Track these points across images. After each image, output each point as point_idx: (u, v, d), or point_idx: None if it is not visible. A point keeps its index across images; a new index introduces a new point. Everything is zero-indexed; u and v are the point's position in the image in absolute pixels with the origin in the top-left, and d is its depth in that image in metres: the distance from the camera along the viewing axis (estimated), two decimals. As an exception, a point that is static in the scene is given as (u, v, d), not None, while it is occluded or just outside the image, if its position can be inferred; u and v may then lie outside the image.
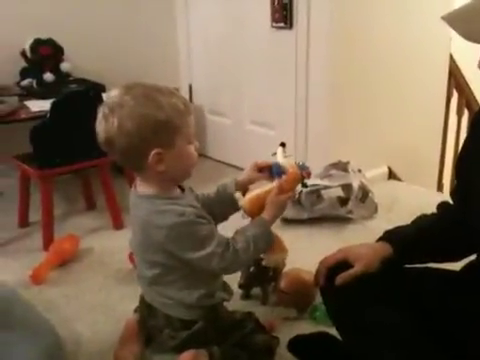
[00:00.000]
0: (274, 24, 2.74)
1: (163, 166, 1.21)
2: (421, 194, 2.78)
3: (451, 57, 3.14)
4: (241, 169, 3.16)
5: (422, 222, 1.40)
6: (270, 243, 1.34)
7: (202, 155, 3.18)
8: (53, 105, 2.11)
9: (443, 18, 1.05)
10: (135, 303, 1.63)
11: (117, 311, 1.74)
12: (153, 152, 1.18)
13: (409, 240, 1.33)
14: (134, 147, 1.18)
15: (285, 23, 2.67)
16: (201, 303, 1.33)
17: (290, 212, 2.44)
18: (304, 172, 1.38)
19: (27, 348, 1.24)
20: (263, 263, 1.54)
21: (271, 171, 1.38)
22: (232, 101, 3.21)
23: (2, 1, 2.75)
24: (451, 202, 1.40)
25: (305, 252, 1.99)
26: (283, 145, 1.44)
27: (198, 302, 1.33)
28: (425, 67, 2.95)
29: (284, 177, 1.35)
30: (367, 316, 1.19)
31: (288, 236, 2.27)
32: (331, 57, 2.56)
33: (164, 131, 1.18)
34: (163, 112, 1.16)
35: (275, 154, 1.42)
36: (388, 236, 1.38)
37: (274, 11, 2.70)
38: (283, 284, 1.67)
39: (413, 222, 1.42)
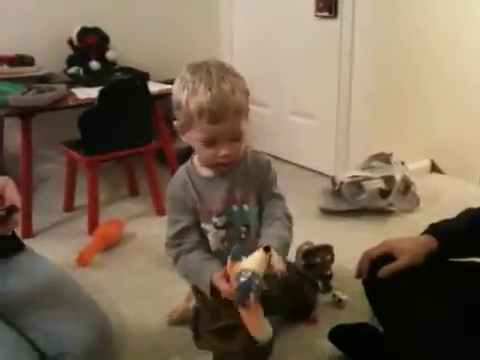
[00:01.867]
0: (318, 13, 2.71)
1: (184, 138, 1.28)
2: (464, 188, 2.73)
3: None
4: (281, 160, 3.21)
5: (469, 216, 1.39)
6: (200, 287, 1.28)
7: (242, 144, 3.19)
8: (101, 93, 2.16)
9: None
10: (177, 288, 1.68)
11: (160, 295, 1.78)
12: (175, 121, 1.27)
13: (456, 234, 1.32)
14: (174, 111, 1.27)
15: (330, 12, 2.64)
16: None
17: (330, 203, 2.43)
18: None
19: (78, 325, 1.27)
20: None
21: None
22: (274, 91, 3.21)
23: (50, -10, 2.82)
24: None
25: (344, 244, 1.98)
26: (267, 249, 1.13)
27: None
28: (472, 59, 2.88)
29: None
30: (414, 309, 1.18)
31: (327, 228, 2.30)
32: (376, 47, 2.52)
33: (180, 112, 1.22)
34: (181, 96, 1.20)
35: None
36: (434, 229, 1.37)
37: (318, 0, 2.68)
38: None
39: (459, 216, 1.41)
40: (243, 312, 1.16)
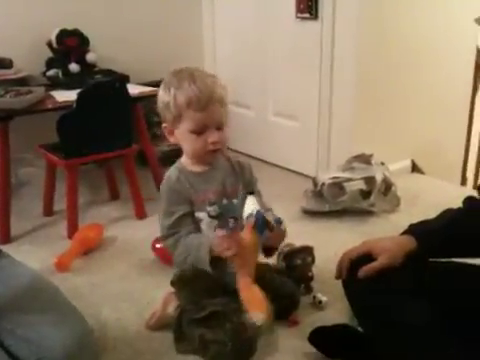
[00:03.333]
0: (299, 15, 2.72)
1: (173, 139, 1.44)
2: (444, 188, 2.76)
3: (478, 50, 3.09)
4: (263, 161, 3.20)
5: (448, 217, 1.40)
6: (200, 265, 1.38)
7: (225, 147, 3.18)
8: (80, 95, 2.13)
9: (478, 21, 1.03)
10: (158, 292, 1.67)
11: (141, 299, 1.76)
12: (163, 125, 1.44)
13: (435, 234, 1.33)
14: (161, 116, 1.45)
15: (310, 14, 2.65)
16: None
17: (311, 204, 2.44)
18: (254, 219, 1.31)
19: (57, 333, 1.26)
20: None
21: (255, 224, 1.30)
22: (256, 93, 3.20)
23: (29, -8, 2.78)
24: (477, 196, 1.39)
25: (326, 245, 1.99)
26: (250, 193, 1.40)
27: None
28: (451, 60, 2.91)
29: (268, 234, 1.31)
30: (392, 309, 1.19)
31: (309, 229, 2.30)
32: (356, 49, 2.53)
33: (168, 111, 1.39)
34: (168, 96, 1.37)
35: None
36: (413, 230, 1.38)
37: (299, 1, 2.68)
38: None
39: (439, 216, 1.42)
40: (244, 288, 1.30)
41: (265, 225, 1.29)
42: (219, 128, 1.39)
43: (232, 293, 1.43)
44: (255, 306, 1.29)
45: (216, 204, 1.44)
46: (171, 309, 1.53)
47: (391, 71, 2.69)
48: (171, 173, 1.47)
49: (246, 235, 1.32)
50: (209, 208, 1.43)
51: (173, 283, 1.54)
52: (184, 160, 1.49)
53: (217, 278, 1.46)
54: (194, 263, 1.40)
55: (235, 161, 1.53)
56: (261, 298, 1.30)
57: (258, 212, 1.29)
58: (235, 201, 1.47)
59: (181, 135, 1.40)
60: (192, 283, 1.46)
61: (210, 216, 1.43)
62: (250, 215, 1.30)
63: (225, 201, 1.46)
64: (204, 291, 1.45)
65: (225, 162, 1.51)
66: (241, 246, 1.30)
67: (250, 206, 1.33)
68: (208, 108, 1.35)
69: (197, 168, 1.47)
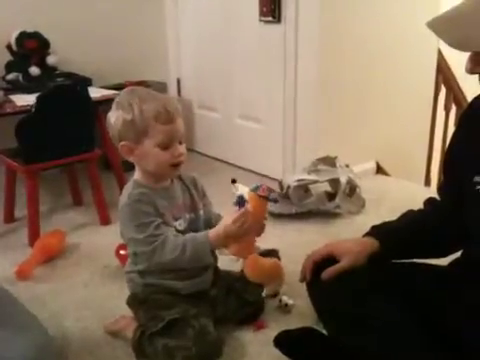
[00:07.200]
0: (262, 18, 2.73)
1: (132, 157, 1.40)
2: (409, 189, 2.79)
3: (439, 52, 3.15)
4: (229, 164, 3.20)
5: (409, 218, 1.41)
6: (199, 258, 1.39)
7: (190, 150, 3.16)
8: (39, 99, 2.09)
9: (428, 25, 1.05)
10: (122, 299, 1.63)
11: (104, 307, 1.73)
12: (121, 143, 1.38)
13: (396, 236, 1.34)
14: (113, 137, 1.41)
15: (273, 17, 2.66)
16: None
17: (278, 207, 2.44)
18: (260, 190, 1.40)
19: (16, 344, 1.22)
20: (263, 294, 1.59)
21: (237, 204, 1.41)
22: (221, 95, 3.20)
23: (-13, -6, 2.72)
24: (438, 198, 1.41)
25: (292, 247, 1.99)
26: (234, 181, 1.50)
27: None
28: (413, 62, 2.96)
29: (246, 205, 1.38)
30: (355, 311, 1.19)
31: (276, 230, 2.30)
32: (319, 51, 2.55)
33: (130, 129, 1.35)
34: (130, 114, 1.34)
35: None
36: (375, 231, 1.39)
37: (262, 5, 2.69)
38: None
39: (400, 218, 1.43)
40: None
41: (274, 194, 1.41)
42: (181, 142, 1.40)
43: (189, 300, 1.45)
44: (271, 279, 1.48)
45: (181, 218, 1.45)
46: (129, 333, 1.50)
47: (354, 73, 2.72)
48: (132, 189, 1.41)
49: (255, 203, 1.38)
50: (175, 223, 1.43)
51: (128, 303, 1.54)
52: (140, 178, 1.44)
53: (170, 287, 1.46)
54: (193, 254, 1.36)
55: (185, 176, 1.53)
56: (271, 269, 1.45)
57: (261, 184, 1.40)
58: (193, 215, 1.48)
59: (145, 151, 1.37)
60: (147, 300, 1.46)
61: (177, 231, 1.42)
62: (255, 188, 1.39)
63: (188, 215, 1.47)
64: (160, 305, 1.44)
65: (176, 179, 1.50)
66: (254, 216, 1.37)
67: (243, 187, 1.43)
68: (175, 120, 1.36)
69: (156, 185, 1.43)
